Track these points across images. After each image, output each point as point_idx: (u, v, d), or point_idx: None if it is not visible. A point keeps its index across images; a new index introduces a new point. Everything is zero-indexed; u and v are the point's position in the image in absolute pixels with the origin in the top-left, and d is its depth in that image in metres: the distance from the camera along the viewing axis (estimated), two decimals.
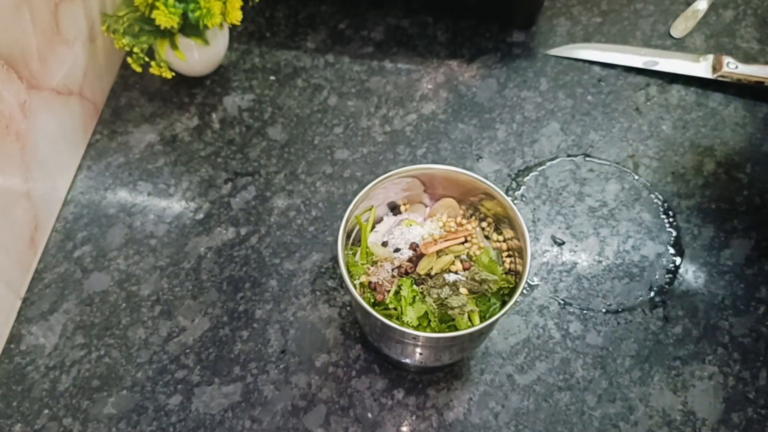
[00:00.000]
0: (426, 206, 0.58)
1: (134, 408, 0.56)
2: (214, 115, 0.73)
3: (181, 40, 0.68)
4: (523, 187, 0.68)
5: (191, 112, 0.73)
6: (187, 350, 0.59)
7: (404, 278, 0.52)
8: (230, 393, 0.57)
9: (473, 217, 0.56)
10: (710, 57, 0.75)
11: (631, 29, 0.79)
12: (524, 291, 0.62)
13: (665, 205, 0.67)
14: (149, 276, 0.63)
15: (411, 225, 0.55)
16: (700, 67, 0.74)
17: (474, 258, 0.53)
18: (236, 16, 0.68)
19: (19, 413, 0.56)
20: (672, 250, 0.64)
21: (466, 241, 0.54)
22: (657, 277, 0.63)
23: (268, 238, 0.65)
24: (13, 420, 0.56)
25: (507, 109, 0.73)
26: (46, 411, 0.56)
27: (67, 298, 0.61)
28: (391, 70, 0.76)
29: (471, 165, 0.69)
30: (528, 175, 0.69)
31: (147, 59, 0.67)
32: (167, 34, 0.67)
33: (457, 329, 0.49)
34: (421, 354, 0.52)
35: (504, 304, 0.50)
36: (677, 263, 0.63)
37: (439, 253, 0.52)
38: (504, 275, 0.52)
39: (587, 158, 0.70)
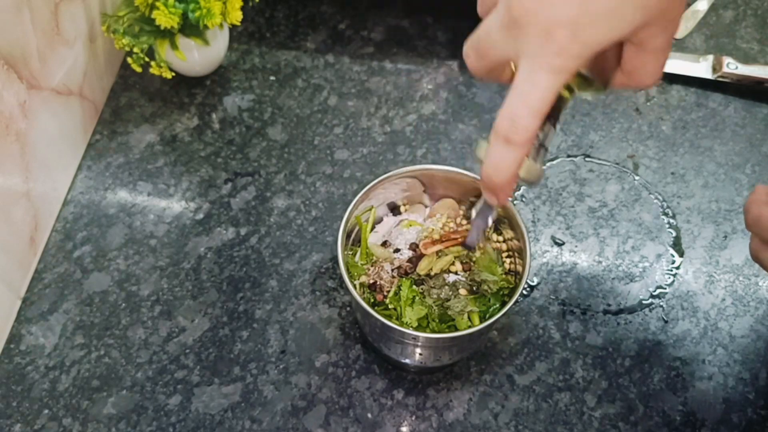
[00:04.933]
0: (426, 206, 0.58)
1: (134, 408, 0.56)
2: (214, 115, 0.73)
3: (181, 40, 0.68)
4: (523, 187, 0.68)
5: (191, 112, 0.73)
6: (187, 350, 0.59)
7: (404, 278, 0.52)
8: (230, 393, 0.57)
9: None
10: (710, 57, 0.75)
11: None
12: (524, 291, 0.62)
13: (665, 205, 0.67)
14: (149, 276, 0.63)
15: (411, 225, 0.55)
16: (700, 68, 0.74)
17: (474, 258, 0.53)
18: (236, 16, 0.68)
19: (18, 413, 0.56)
20: (672, 250, 0.64)
21: None
22: (657, 277, 0.63)
23: (268, 238, 0.65)
24: (12, 420, 0.56)
25: None
26: (46, 411, 0.56)
27: (67, 298, 0.61)
28: (391, 70, 0.76)
29: (471, 165, 0.69)
30: None
31: (147, 59, 0.67)
32: (167, 34, 0.67)
33: (457, 329, 0.49)
34: (421, 354, 0.52)
35: (504, 304, 0.50)
36: (677, 263, 0.63)
37: (438, 254, 0.52)
38: (504, 276, 0.52)
39: (587, 158, 0.70)
